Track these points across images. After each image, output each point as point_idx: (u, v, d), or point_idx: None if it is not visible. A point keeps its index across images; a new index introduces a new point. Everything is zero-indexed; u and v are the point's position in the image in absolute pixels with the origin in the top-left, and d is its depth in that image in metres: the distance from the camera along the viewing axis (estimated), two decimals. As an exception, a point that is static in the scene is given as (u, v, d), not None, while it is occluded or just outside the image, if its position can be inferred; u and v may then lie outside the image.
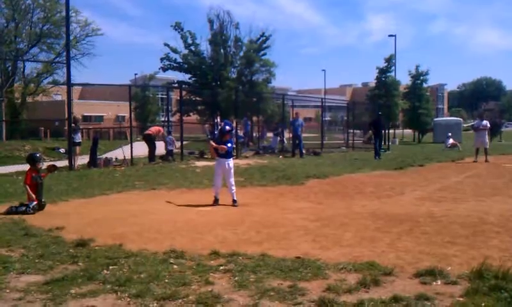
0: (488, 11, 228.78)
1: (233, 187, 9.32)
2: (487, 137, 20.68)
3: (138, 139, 31.95)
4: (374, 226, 7.32)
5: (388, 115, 38.35)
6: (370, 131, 27.43)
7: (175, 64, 38.80)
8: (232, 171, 9.49)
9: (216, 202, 9.28)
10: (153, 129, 20.29)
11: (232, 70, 39.35)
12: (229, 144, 9.47)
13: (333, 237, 6.57)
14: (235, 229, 7.09)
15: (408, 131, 53.88)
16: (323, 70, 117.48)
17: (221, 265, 5.19)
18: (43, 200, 8.79)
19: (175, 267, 5.17)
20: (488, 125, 21.26)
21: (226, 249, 5.76)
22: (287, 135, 26.00)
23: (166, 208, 8.98)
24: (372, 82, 51.02)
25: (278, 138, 26.28)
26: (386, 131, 31.98)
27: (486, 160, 19.20)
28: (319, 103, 33.19)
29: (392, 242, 6.30)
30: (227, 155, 9.44)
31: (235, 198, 9.25)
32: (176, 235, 6.70)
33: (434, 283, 4.61)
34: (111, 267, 5.11)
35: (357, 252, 5.73)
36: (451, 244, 6.18)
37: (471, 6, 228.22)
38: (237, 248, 5.84)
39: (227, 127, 9.88)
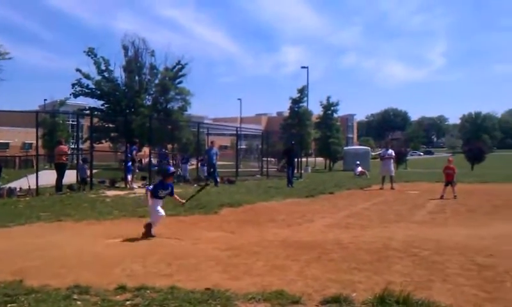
0: (394, 46, 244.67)
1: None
2: (392, 165, 21.85)
3: (46, 167, 30.53)
4: (285, 254, 7.41)
5: (301, 144, 39.45)
6: (283, 159, 28.06)
7: (87, 90, 37.79)
8: None
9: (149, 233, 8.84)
10: (64, 156, 19.37)
11: (147, 97, 38.96)
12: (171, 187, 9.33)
13: (243, 267, 6.57)
14: (145, 261, 6.88)
15: (320, 159, 55.66)
16: (239, 99, 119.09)
17: (128, 300, 5.02)
18: None
19: (79, 303, 4.92)
20: (393, 154, 22.52)
21: (133, 283, 5.57)
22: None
23: (72, 241, 8.55)
24: (287, 111, 52.46)
25: (188, 165, 26.32)
26: (299, 159, 32.80)
27: (392, 188, 20.23)
28: (235, 132, 33.53)
29: (301, 269, 6.41)
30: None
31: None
32: (81, 269, 6.39)
33: (339, 310, 4.74)
34: (9, 305, 4.81)
35: (267, 281, 5.76)
36: (357, 270, 6.39)
37: (378, 41, 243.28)
38: (146, 281, 5.67)
39: (171, 169, 10.01)
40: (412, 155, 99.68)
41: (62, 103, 48.75)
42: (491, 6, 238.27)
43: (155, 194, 9.09)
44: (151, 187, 9.22)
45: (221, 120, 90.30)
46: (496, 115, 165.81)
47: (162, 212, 9.04)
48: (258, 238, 8.81)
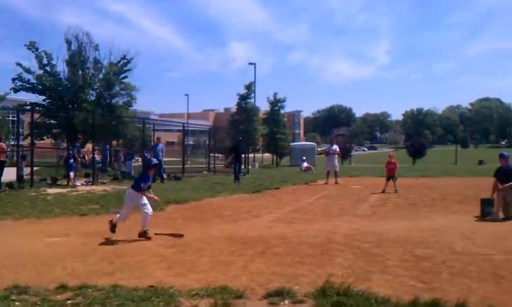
0: (340, 43, 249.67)
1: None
2: (336, 160, 22.27)
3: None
4: (230, 249, 7.45)
5: (248, 140, 39.60)
6: (231, 155, 28.11)
7: (28, 85, 36.34)
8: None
9: (114, 228, 8.58)
10: (2, 153, 18.57)
11: (91, 92, 37.88)
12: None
13: (188, 263, 6.56)
14: (86, 260, 6.75)
15: (267, 155, 56.04)
16: (186, 95, 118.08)
17: (69, 299, 4.92)
18: None
19: (17, 304, 4.79)
20: (338, 150, 23.01)
21: (74, 282, 5.46)
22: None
23: (11, 240, 8.26)
24: (234, 107, 52.56)
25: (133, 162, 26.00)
26: (246, 155, 32.92)
27: (336, 182, 20.64)
28: (182, 128, 33.21)
29: (246, 264, 6.47)
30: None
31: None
32: (20, 269, 6.21)
33: (282, 303, 4.83)
34: None
35: (211, 277, 5.78)
36: (300, 263, 6.52)
37: (325, 39, 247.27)
38: (87, 280, 5.57)
39: (154, 160, 9.92)
40: (356, 151, 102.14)
41: (1, 98, 46.74)
42: (432, 5, 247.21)
43: (142, 189, 8.83)
44: (142, 185, 8.83)
45: (168, 116, 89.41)
46: (437, 111, 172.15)
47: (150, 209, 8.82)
48: (204, 235, 8.81)
